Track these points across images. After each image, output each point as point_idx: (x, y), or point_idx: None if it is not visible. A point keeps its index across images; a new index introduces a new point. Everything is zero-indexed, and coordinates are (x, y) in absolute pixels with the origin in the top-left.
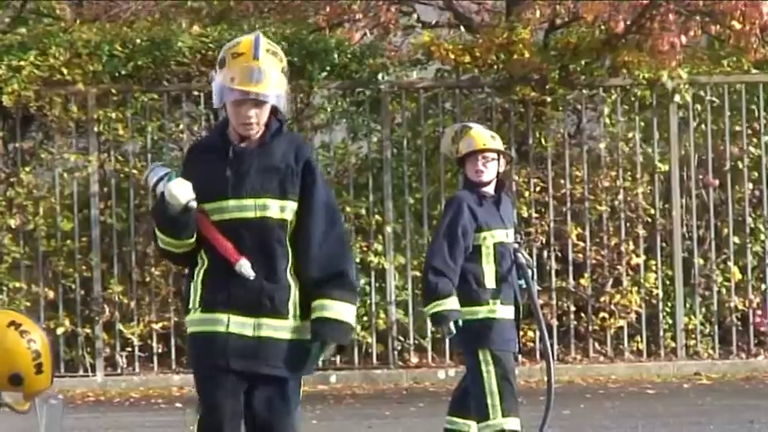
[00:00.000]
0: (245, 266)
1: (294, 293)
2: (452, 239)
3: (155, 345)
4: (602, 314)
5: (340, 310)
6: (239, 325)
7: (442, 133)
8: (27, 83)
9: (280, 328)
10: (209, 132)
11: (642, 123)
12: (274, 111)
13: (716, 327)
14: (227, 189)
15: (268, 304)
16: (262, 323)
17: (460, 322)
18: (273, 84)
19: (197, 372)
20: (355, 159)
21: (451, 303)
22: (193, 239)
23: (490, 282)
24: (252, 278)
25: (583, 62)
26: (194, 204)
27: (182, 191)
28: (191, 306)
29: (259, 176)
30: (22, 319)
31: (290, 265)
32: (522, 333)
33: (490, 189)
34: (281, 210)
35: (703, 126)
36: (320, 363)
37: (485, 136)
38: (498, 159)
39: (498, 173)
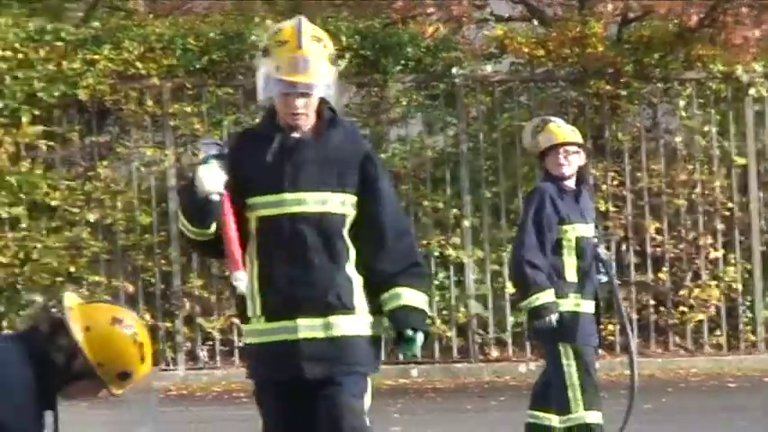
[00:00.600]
0: (240, 280)
1: (358, 288)
2: (540, 231)
3: (235, 339)
4: (681, 308)
5: (415, 297)
6: (309, 328)
7: (519, 127)
8: (102, 77)
9: (350, 324)
10: (257, 123)
11: (718, 117)
12: (325, 99)
13: None
14: (283, 181)
15: (336, 301)
16: (332, 322)
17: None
18: (321, 73)
19: (261, 389)
20: (432, 153)
21: (551, 296)
22: (210, 231)
23: (571, 275)
24: (243, 293)
25: (657, 56)
26: (216, 198)
27: (209, 180)
28: (250, 314)
29: (317, 169)
30: (121, 311)
31: (351, 259)
32: (602, 327)
33: (571, 183)
34: (342, 204)
35: None
36: (402, 357)
37: (565, 130)
38: (578, 153)
39: (578, 167)
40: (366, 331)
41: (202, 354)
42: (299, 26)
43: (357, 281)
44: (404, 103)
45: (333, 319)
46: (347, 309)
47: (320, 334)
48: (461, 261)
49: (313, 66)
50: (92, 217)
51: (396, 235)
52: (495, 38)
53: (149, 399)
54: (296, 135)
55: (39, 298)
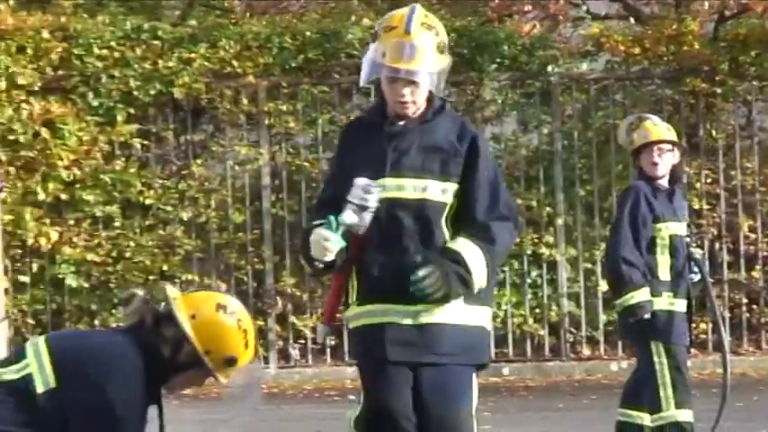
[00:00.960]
0: (320, 332)
1: None
2: (635, 229)
3: (327, 337)
4: None
5: (468, 252)
6: (397, 314)
7: (614, 125)
8: (198, 75)
9: (441, 314)
10: (367, 111)
11: None
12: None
13: None
14: (384, 167)
15: None
16: (420, 310)
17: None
18: (426, 61)
19: (359, 366)
20: (526, 151)
21: (646, 294)
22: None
23: (664, 274)
24: (320, 344)
25: (753, 53)
26: (320, 266)
27: (316, 249)
28: (350, 300)
29: (420, 156)
30: (223, 298)
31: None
32: (694, 325)
33: (664, 181)
34: (443, 192)
35: None
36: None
37: (660, 128)
38: (673, 151)
39: (672, 165)
40: (461, 321)
41: (294, 352)
42: (411, 13)
43: None
44: (499, 101)
45: (423, 306)
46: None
47: (407, 321)
48: (554, 259)
49: (419, 53)
50: (185, 215)
51: (488, 218)
52: (592, 36)
53: (251, 392)
54: (402, 123)
55: (139, 291)
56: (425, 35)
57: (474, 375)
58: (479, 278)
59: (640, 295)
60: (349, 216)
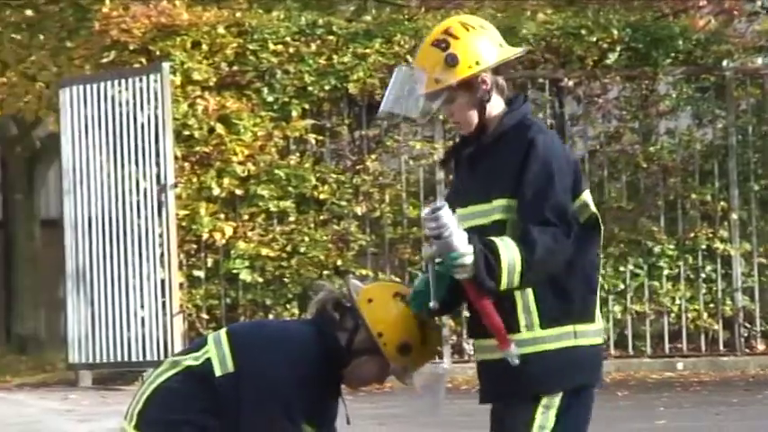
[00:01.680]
0: (513, 354)
1: (521, 300)
2: None
3: None
4: None
5: (505, 251)
6: (484, 349)
7: None
8: (372, 71)
9: (517, 344)
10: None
11: None
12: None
13: None
14: (463, 195)
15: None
16: (493, 345)
17: None
18: (434, 80)
19: None
20: (700, 146)
21: None
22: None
23: None
24: (516, 364)
25: None
26: (434, 306)
27: (434, 292)
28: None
29: (488, 178)
30: (404, 289)
31: None
32: None
33: None
34: (509, 210)
35: None
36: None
37: None
38: None
39: None
40: (538, 348)
41: (468, 346)
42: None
43: (520, 292)
44: (673, 95)
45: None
46: (509, 328)
47: (494, 355)
48: (729, 254)
49: (426, 75)
50: (359, 210)
51: (529, 221)
52: (767, 31)
53: (439, 378)
54: (474, 147)
55: (327, 283)
56: (430, 53)
57: (572, 397)
58: (509, 278)
59: None
60: (425, 249)
